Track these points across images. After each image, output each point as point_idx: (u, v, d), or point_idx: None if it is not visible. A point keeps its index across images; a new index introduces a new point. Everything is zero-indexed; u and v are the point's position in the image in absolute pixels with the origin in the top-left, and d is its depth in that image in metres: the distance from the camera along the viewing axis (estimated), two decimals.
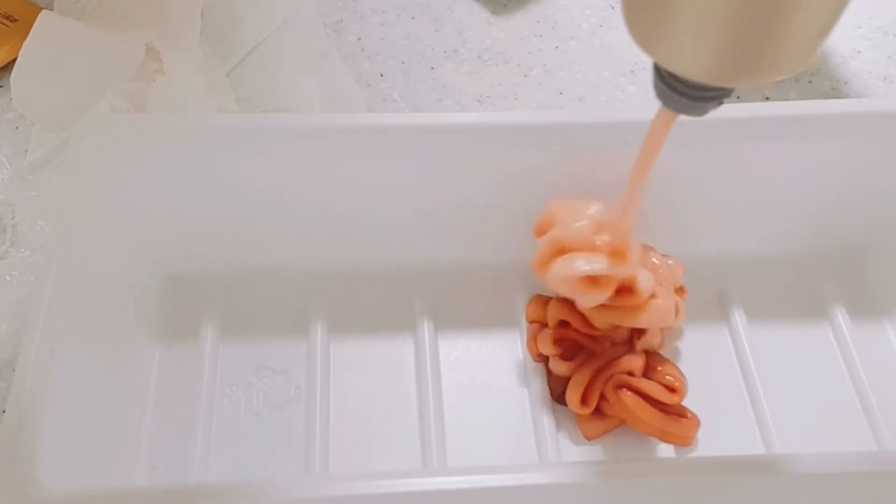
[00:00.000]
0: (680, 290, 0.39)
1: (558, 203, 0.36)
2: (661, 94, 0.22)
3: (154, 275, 0.40)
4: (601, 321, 0.36)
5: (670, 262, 0.39)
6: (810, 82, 0.51)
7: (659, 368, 0.37)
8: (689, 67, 0.20)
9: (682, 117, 0.24)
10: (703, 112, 0.22)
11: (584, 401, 0.36)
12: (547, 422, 0.37)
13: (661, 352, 0.38)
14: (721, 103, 0.22)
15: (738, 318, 0.40)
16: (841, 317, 0.41)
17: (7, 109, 0.47)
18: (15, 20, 0.50)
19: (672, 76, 0.21)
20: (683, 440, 0.36)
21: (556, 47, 0.52)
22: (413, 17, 0.54)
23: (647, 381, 0.36)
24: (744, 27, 0.19)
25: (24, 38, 0.45)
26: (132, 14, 0.48)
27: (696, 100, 0.21)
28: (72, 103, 0.45)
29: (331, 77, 0.49)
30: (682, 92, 0.21)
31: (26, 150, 0.45)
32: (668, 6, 0.19)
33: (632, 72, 0.50)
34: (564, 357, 0.37)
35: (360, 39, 0.52)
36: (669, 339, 0.40)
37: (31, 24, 0.45)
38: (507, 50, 0.52)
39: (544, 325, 0.38)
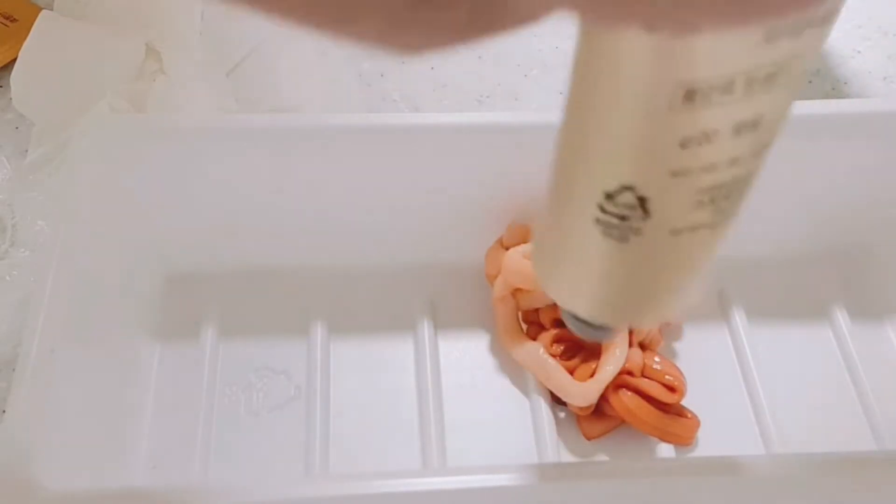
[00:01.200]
0: None
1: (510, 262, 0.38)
2: (568, 323, 0.25)
3: (154, 275, 0.40)
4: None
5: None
6: (810, 82, 0.51)
7: (658, 368, 0.37)
8: (584, 312, 0.24)
9: None
10: (608, 338, 0.27)
11: None
12: (547, 422, 0.37)
13: (659, 348, 0.38)
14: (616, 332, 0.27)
15: (738, 318, 0.40)
16: (841, 317, 0.41)
17: (7, 109, 0.47)
18: (15, 20, 0.50)
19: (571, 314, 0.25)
20: (683, 440, 0.36)
21: (556, 47, 0.52)
22: None
23: (647, 381, 0.36)
24: (618, 289, 0.22)
25: (24, 38, 0.45)
26: (132, 14, 0.48)
27: (596, 329, 0.25)
28: (72, 103, 0.45)
29: (331, 77, 0.49)
30: (585, 322, 0.25)
31: (26, 150, 0.45)
32: (566, 266, 0.23)
33: None
34: (564, 357, 0.37)
35: None
36: (668, 339, 0.40)
37: (31, 24, 0.45)
38: (507, 50, 0.52)
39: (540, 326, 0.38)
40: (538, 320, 0.38)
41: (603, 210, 0.20)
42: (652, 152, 0.18)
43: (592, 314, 0.23)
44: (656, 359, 0.37)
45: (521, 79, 0.51)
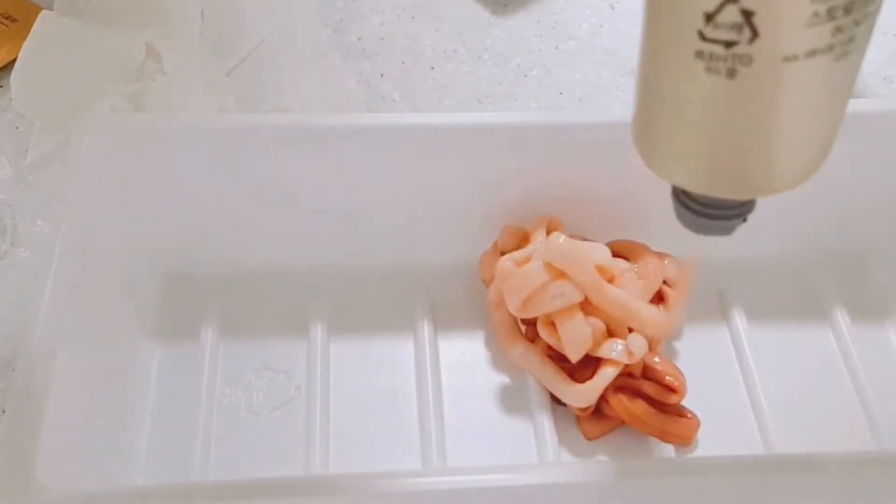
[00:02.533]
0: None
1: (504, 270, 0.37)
2: (682, 219, 0.22)
3: (154, 274, 0.40)
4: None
5: (666, 261, 0.39)
6: None
7: (658, 369, 0.37)
8: (689, 181, 0.20)
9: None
10: (729, 230, 0.22)
11: None
12: (547, 422, 0.37)
13: (659, 348, 0.38)
14: (745, 219, 0.22)
15: (738, 318, 0.40)
16: (841, 317, 0.41)
17: (7, 109, 0.47)
18: (15, 20, 0.50)
19: (688, 197, 0.22)
20: (683, 440, 0.36)
21: (556, 47, 0.52)
22: (413, 17, 0.54)
23: (647, 382, 0.36)
24: (730, 142, 0.19)
25: (24, 38, 0.45)
26: (132, 14, 0.48)
27: (714, 219, 0.22)
28: (72, 103, 0.45)
29: (331, 77, 0.49)
30: (698, 212, 0.22)
31: (26, 150, 0.45)
32: (661, 124, 0.20)
33: (632, 72, 0.50)
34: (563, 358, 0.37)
35: (360, 39, 0.52)
36: (668, 339, 0.40)
37: (31, 24, 0.46)
38: (507, 50, 0.52)
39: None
40: (536, 321, 0.38)
41: (704, 38, 0.17)
42: None
43: (705, 183, 0.20)
44: (656, 359, 0.37)
45: (521, 79, 0.51)
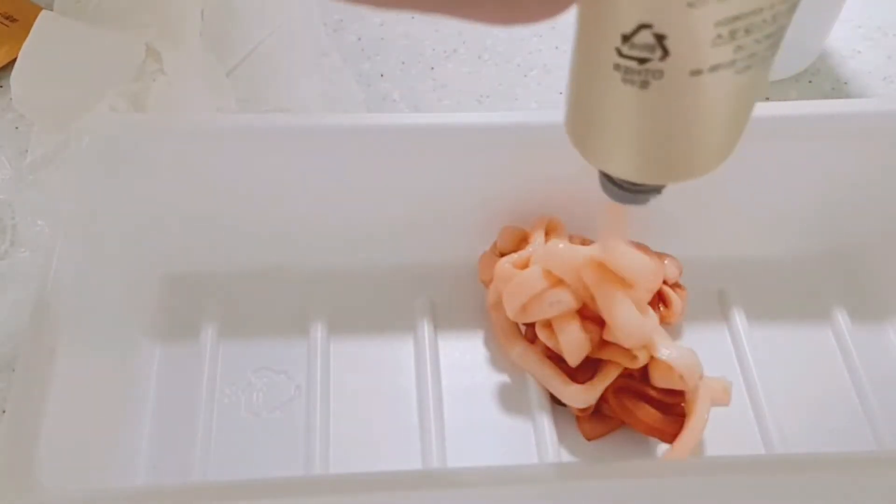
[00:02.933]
0: (676, 287, 0.39)
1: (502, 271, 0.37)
2: (607, 192, 0.25)
3: (154, 274, 0.40)
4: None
5: (666, 261, 0.39)
6: (810, 82, 0.51)
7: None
8: (615, 171, 0.23)
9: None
10: (646, 202, 0.25)
11: None
12: (547, 422, 0.37)
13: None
14: (659, 192, 0.25)
15: (738, 318, 0.40)
16: (841, 317, 0.41)
17: (7, 109, 0.47)
18: (15, 20, 0.50)
19: (607, 175, 0.24)
20: None
21: (556, 47, 0.52)
22: (413, 17, 0.54)
23: (648, 384, 0.36)
24: (647, 140, 0.21)
25: (24, 38, 0.45)
26: (132, 14, 0.48)
27: (634, 192, 0.24)
28: (72, 103, 0.45)
29: (331, 77, 0.49)
30: (621, 187, 0.24)
31: (26, 150, 0.45)
32: (588, 123, 0.22)
33: None
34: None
35: (360, 39, 0.52)
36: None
37: (31, 24, 0.45)
38: (507, 50, 0.52)
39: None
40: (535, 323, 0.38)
41: (621, 54, 0.19)
42: None
43: (629, 173, 0.23)
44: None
45: (521, 79, 0.51)
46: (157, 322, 0.39)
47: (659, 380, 0.36)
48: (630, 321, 0.34)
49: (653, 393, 0.36)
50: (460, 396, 0.38)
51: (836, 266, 0.42)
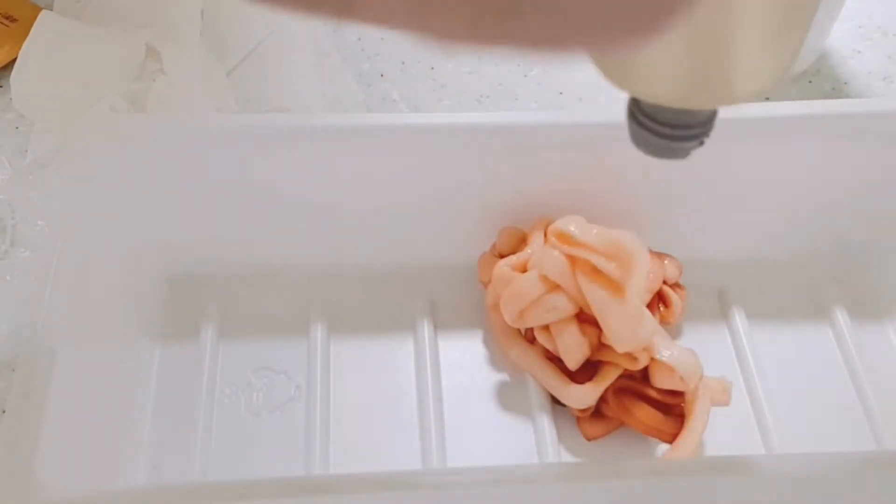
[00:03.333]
0: (676, 287, 0.39)
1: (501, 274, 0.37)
2: (639, 141, 0.22)
3: (154, 275, 0.40)
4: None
5: (666, 261, 0.39)
6: (810, 82, 0.51)
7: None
8: (650, 91, 0.20)
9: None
10: (686, 153, 0.22)
11: None
12: (547, 422, 0.37)
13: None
14: (702, 143, 0.22)
15: (738, 318, 0.40)
16: (841, 317, 0.41)
17: (7, 109, 0.47)
18: (15, 20, 0.50)
19: (646, 117, 0.21)
20: None
21: None
22: None
23: (649, 385, 0.36)
24: (691, 51, 0.19)
25: (24, 38, 0.45)
26: (132, 14, 0.48)
27: (673, 139, 0.21)
28: (72, 103, 0.45)
29: (331, 77, 0.49)
30: (657, 132, 0.21)
31: (26, 150, 0.45)
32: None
33: None
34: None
35: (360, 39, 0.52)
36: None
37: (31, 24, 0.45)
38: None
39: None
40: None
41: None
42: None
43: (667, 93, 0.19)
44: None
45: (521, 79, 0.51)
46: (157, 322, 0.39)
47: (659, 381, 0.36)
48: (623, 329, 0.34)
49: (653, 393, 0.36)
50: (460, 396, 0.38)
51: (836, 266, 0.42)
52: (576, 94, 0.49)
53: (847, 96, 0.50)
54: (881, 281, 0.42)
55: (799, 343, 0.40)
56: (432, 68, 0.51)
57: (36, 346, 0.31)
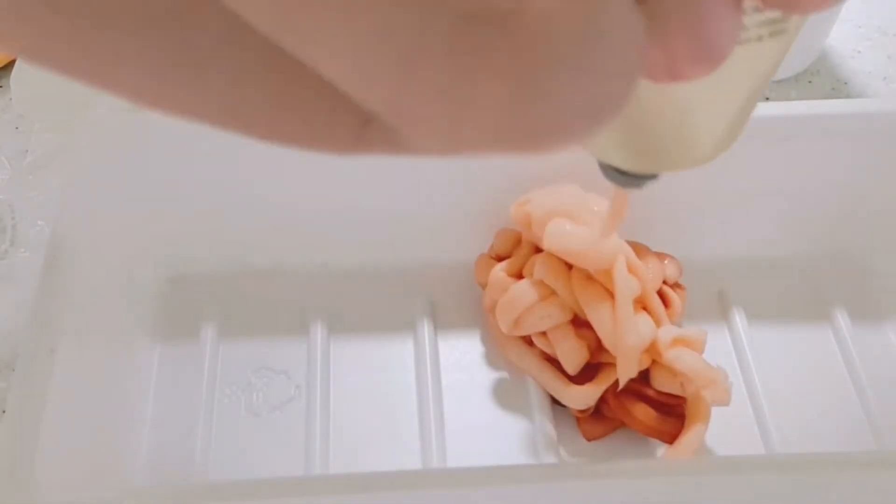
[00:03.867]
0: (676, 287, 0.39)
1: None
2: (606, 175, 0.25)
3: (154, 275, 0.40)
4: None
5: (666, 261, 0.39)
6: (810, 82, 0.51)
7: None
8: (620, 163, 0.23)
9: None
10: (641, 186, 0.25)
11: None
12: (547, 422, 0.37)
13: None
14: (656, 178, 0.25)
15: (738, 318, 0.40)
16: (841, 317, 0.41)
17: (7, 109, 0.47)
18: None
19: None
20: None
21: None
22: None
23: (649, 386, 0.36)
24: (639, 130, 0.21)
25: None
26: None
27: (636, 177, 0.24)
28: (72, 103, 0.45)
29: None
30: (608, 175, 0.24)
31: (26, 150, 0.45)
32: None
33: None
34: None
35: None
36: None
37: None
38: None
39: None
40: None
41: None
42: None
43: (634, 165, 0.23)
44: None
45: None
46: (157, 322, 0.39)
47: (660, 384, 0.36)
48: (611, 336, 0.35)
49: (653, 394, 0.36)
50: (460, 396, 0.38)
51: (836, 266, 0.42)
52: None
53: (847, 96, 0.50)
54: (881, 281, 0.42)
55: (799, 343, 0.40)
56: None
57: (36, 346, 0.31)
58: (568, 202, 0.36)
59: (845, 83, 0.51)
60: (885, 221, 0.41)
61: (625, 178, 0.24)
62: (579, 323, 0.36)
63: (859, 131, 0.39)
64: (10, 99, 0.45)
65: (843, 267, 0.42)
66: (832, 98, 0.50)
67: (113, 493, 0.30)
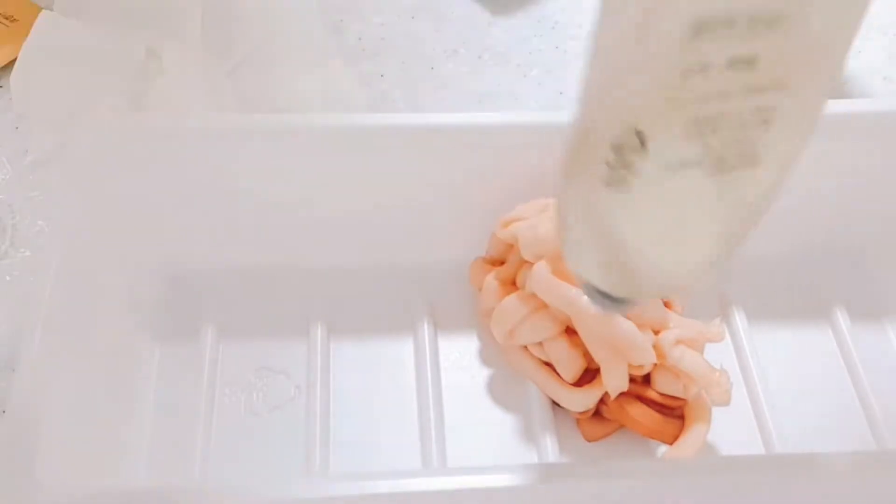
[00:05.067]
0: None
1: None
2: (594, 301, 0.26)
3: (154, 275, 0.40)
4: None
5: None
6: None
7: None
8: (601, 285, 0.24)
9: None
10: (625, 311, 0.26)
11: None
12: (547, 422, 0.37)
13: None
14: (635, 304, 0.26)
15: (738, 318, 0.40)
16: (841, 317, 0.41)
17: (7, 109, 0.47)
18: (15, 20, 0.50)
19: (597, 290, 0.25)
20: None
21: (556, 47, 0.52)
22: (413, 17, 0.54)
23: (650, 388, 0.36)
24: (617, 261, 0.23)
25: (24, 38, 0.45)
26: (132, 14, 0.48)
27: (613, 301, 0.25)
28: (72, 103, 0.45)
29: (331, 77, 0.49)
30: (594, 299, 0.25)
31: (26, 150, 0.45)
32: (566, 236, 0.24)
33: None
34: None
35: (360, 39, 0.52)
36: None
37: (31, 24, 0.45)
38: (507, 50, 0.52)
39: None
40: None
41: (610, 165, 0.21)
42: (655, 80, 0.19)
43: (606, 283, 0.24)
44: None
45: (520, 79, 0.51)
46: (157, 322, 0.39)
47: (662, 386, 0.36)
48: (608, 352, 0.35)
49: (653, 395, 0.36)
50: (460, 396, 0.38)
51: (836, 265, 0.42)
52: (576, 94, 0.49)
53: (847, 96, 0.50)
54: (881, 281, 0.42)
55: (799, 343, 0.40)
56: (432, 68, 0.51)
57: (36, 346, 0.31)
58: (551, 245, 0.36)
59: (845, 83, 0.51)
60: (886, 221, 0.41)
61: (607, 301, 0.25)
62: (572, 331, 0.36)
63: (859, 131, 0.39)
64: (10, 99, 0.45)
65: (843, 267, 0.42)
66: (832, 98, 0.49)
67: (113, 493, 0.30)
